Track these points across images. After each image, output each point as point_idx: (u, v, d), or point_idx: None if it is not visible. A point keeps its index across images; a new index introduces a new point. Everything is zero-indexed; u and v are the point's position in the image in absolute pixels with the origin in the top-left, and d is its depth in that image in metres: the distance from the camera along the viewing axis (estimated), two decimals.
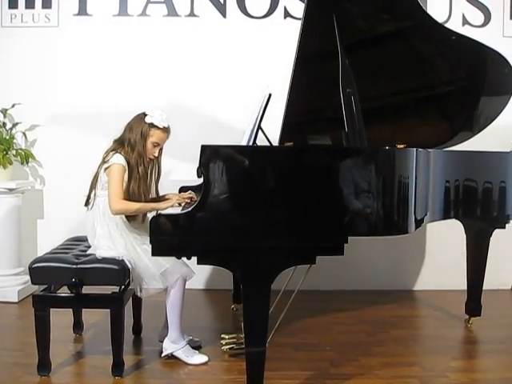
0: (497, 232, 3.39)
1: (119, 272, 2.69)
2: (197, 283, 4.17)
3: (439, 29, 3.00)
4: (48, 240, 3.48)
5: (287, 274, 2.66)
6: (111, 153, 2.84)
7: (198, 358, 2.90)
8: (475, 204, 3.19)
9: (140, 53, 4.27)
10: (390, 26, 2.96)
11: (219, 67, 4.27)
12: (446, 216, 3.04)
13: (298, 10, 4.07)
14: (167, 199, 2.95)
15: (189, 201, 2.96)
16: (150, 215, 2.85)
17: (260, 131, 2.99)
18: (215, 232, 2.28)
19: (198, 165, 2.29)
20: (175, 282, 2.84)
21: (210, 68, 4.27)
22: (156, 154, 2.93)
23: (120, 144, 2.87)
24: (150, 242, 2.30)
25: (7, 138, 4.10)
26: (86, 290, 2.78)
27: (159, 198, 3.01)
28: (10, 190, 3.98)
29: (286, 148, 3.02)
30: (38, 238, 4.36)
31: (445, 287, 4.28)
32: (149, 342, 3.17)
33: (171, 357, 2.90)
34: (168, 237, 2.29)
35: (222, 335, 3.07)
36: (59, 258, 2.75)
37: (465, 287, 3.57)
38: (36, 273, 2.69)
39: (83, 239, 3.02)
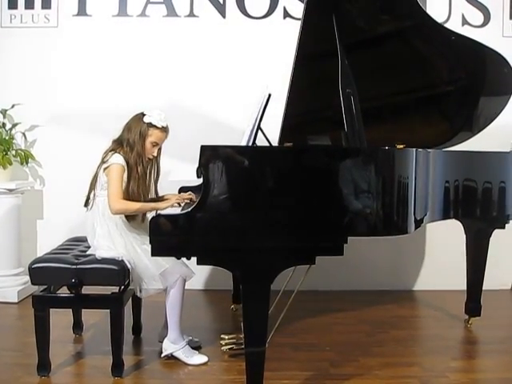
0: (496, 232, 3.39)
1: (119, 272, 2.69)
2: (196, 283, 4.17)
3: (439, 29, 3.01)
4: (48, 240, 3.48)
5: (287, 274, 2.66)
6: (110, 153, 2.84)
7: (198, 359, 2.90)
8: (475, 204, 3.19)
9: (139, 53, 4.27)
10: (389, 26, 2.96)
11: (219, 67, 4.27)
12: (445, 216, 3.04)
13: (298, 10, 4.07)
14: (167, 199, 2.95)
15: (188, 201, 2.96)
16: (149, 215, 2.86)
17: (260, 131, 2.99)
18: (215, 232, 2.28)
19: (197, 165, 2.29)
20: (175, 282, 2.84)
21: (210, 68, 4.27)
22: (155, 154, 2.93)
23: (119, 144, 2.87)
24: (150, 243, 2.30)
25: (7, 138, 4.10)
26: (86, 290, 2.78)
27: (158, 199, 3.01)
28: (10, 191, 3.98)
29: (285, 148, 3.02)
30: (37, 238, 4.36)
31: (444, 287, 4.27)
32: (148, 343, 3.17)
33: (171, 357, 2.90)
34: (168, 237, 2.29)
35: (222, 335, 3.07)
36: (59, 259, 2.75)
37: (464, 287, 3.57)
38: (36, 273, 2.69)
39: (83, 239, 3.02)
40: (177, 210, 2.68)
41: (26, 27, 4.27)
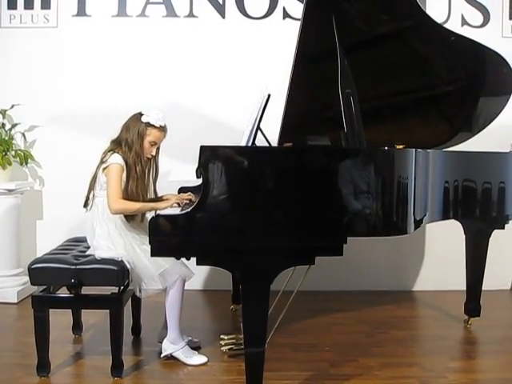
0: (496, 232, 3.40)
1: (118, 273, 2.69)
2: (196, 284, 4.17)
3: (438, 29, 3.01)
4: (47, 241, 3.48)
5: (286, 274, 2.67)
6: (109, 153, 2.84)
7: (197, 359, 2.90)
8: (474, 204, 3.19)
9: (139, 53, 4.27)
10: (389, 26, 2.96)
11: (218, 68, 4.27)
12: (445, 216, 3.03)
13: (297, 10, 4.07)
14: (166, 200, 2.95)
15: (188, 201, 2.96)
16: (148, 215, 2.86)
17: (259, 132, 3.00)
18: (214, 232, 2.28)
19: (197, 165, 2.29)
20: (174, 282, 2.84)
21: (209, 69, 4.27)
22: (153, 153, 2.93)
23: (117, 144, 2.88)
24: (150, 243, 2.30)
25: (6, 138, 4.09)
26: (86, 290, 2.79)
27: (158, 199, 3.01)
28: (10, 191, 3.98)
29: (285, 149, 3.02)
30: (37, 238, 4.36)
31: (444, 288, 4.28)
32: (148, 343, 3.17)
33: (170, 357, 2.90)
34: (167, 237, 2.30)
35: (221, 336, 3.07)
36: (58, 259, 2.75)
37: (464, 288, 3.57)
38: (35, 273, 2.69)
39: (82, 240, 3.01)
40: (176, 211, 2.68)
41: (26, 27, 4.27)
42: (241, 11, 4.31)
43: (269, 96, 2.93)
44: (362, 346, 3.17)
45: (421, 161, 2.60)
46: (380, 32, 2.99)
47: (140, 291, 2.89)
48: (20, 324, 3.51)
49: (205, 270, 4.29)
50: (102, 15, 4.29)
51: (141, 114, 2.89)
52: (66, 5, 4.27)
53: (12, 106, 4.11)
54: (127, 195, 2.79)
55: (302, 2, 2.82)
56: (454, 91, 3.28)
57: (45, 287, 2.75)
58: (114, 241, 2.80)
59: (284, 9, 4.31)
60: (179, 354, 2.89)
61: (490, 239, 3.42)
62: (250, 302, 2.34)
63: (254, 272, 2.32)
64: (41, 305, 2.67)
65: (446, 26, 3.36)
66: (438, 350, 3.12)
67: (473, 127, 3.46)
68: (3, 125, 4.14)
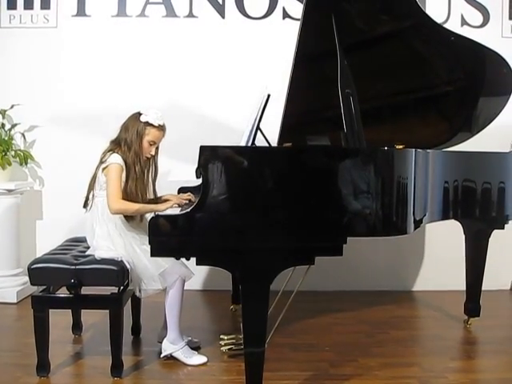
0: (496, 233, 3.40)
1: (118, 273, 2.69)
2: (196, 284, 4.17)
3: (438, 29, 3.01)
4: (47, 241, 3.47)
5: (286, 274, 2.67)
6: (108, 153, 2.84)
7: (197, 359, 2.90)
8: (474, 204, 3.19)
9: (139, 53, 4.27)
10: (388, 26, 2.96)
11: (218, 68, 4.27)
12: (444, 216, 3.03)
13: (297, 10, 4.07)
14: (166, 200, 2.96)
15: (187, 202, 2.96)
16: (148, 215, 2.86)
17: (259, 132, 3.00)
18: (214, 233, 2.28)
19: (196, 165, 2.29)
20: (174, 282, 2.84)
21: (209, 69, 4.27)
22: (152, 153, 2.93)
23: (117, 144, 2.88)
24: (149, 243, 2.30)
25: (6, 138, 4.09)
26: (85, 290, 2.78)
27: (158, 199, 3.01)
28: (9, 191, 3.98)
29: (284, 149, 3.02)
30: (36, 238, 4.36)
31: (444, 288, 4.27)
32: (148, 343, 3.17)
33: (170, 357, 2.90)
34: (167, 237, 2.30)
35: (221, 336, 3.07)
36: (58, 259, 2.75)
37: (464, 288, 3.57)
38: (35, 274, 2.69)
39: (82, 240, 3.01)
40: (176, 211, 2.67)
41: (26, 28, 4.27)
42: (240, 11, 4.31)
43: (268, 96, 2.93)
44: (361, 346, 3.17)
45: (420, 161, 2.61)
46: (380, 32, 2.99)
47: (140, 291, 2.89)
48: (20, 324, 3.51)
49: (204, 270, 4.29)
50: (102, 15, 4.29)
51: (139, 114, 2.89)
52: (66, 5, 4.27)
53: (12, 106, 4.11)
54: (126, 195, 2.79)
55: (302, 2, 2.83)
56: (454, 91, 3.28)
57: (44, 287, 2.75)
58: (114, 241, 2.80)
59: (284, 9, 4.31)
60: (179, 354, 2.89)
61: (490, 239, 3.41)
62: (249, 302, 2.34)
63: (253, 272, 2.32)
64: (40, 305, 2.67)
65: (446, 26, 3.36)
66: (438, 350, 3.12)
67: (472, 127, 3.46)
68: (3, 125, 4.14)
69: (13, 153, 4.13)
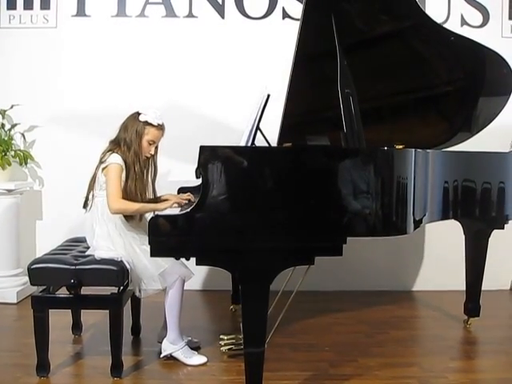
0: (495, 232, 3.39)
1: (118, 273, 2.69)
2: (195, 284, 4.17)
3: (438, 29, 3.01)
4: (47, 241, 3.48)
5: (286, 274, 2.67)
6: (108, 153, 2.84)
7: (197, 359, 2.90)
8: (474, 204, 3.18)
9: (138, 54, 4.27)
10: (388, 26, 2.96)
11: (218, 68, 4.27)
12: (444, 216, 3.03)
13: (297, 10, 4.07)
14: (165, 200, 2.96)
15: (187, 202, 2.96)
16: (148, 215, 2.86)
17: (259, 132, 3.00)
18: (214, 233, 2.28)
19: (196, 166, 2.29)
20: (174, 282, 2.84)
21: (209, 69, 4.27)
22: (152, 152, 2.93)
23: (116, 144, 2.88)
24: (149, 243, 2.30)
25: (6, 139, 4.09)
26: (85, 290, 2.78)
27: (157, 199, 3.01)
28: (9, 191, 3.98)
29: (284, 149, 3.02)
30: (36, 238, 4.36)
31: (444, 288, 4.28)
32: (148, 343, 3.17)
33: (170, 357, 2.90)
34: (167, 238, 2.29)
35: (221, 336, 3.07)
36: (58, 259, 2.75)
37: (464, 288, 3.56)
38: (35, 274, 2.69)
39: (82, 240, 3.01)
40: (176, 211, 2.67)
41: (25, 28, 4.27)
42: (240, 11, 4.31)
43: (268, 96, 2.93)
44: (361, 346, 3.17)
45: (420, 161, 2.60)
46: (379, 32, 2.99)
47: (140, 291, 2.89)
48: (19, 324, 3.51)
49: (204, 270, 4.29)
50: (102, 15, 4.29)
51: (138, 114, 2.89)
52: (66, 5, 4.27)
53: (12, 107, 4.11)
54: (126, 195, 2.79)
55: (302, 2, 2.82)
56: (454, 91, 3.28)
57: (44, 287, 2.75)
58: (114, 241, 2.80)
59: (283, 9, 4.31)
60: (179, 354, 2.89)
61: (490, 239, 3.41)
62: (249, 302, 2.34)
63: (253, 272, 2.32)
64: (40, 305, 2.67)
65: (446, 26, 3.35)
66: (438, 350, 3.12)
67: (472, 127, 3.46)
68: (3, 125, 4.14)
69: (13, 153, 4.13)
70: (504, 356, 3.07)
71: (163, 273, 2.79)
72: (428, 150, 2.75)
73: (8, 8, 4.26)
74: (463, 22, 4.35)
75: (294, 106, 3.17)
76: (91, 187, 2.88)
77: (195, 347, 3.04)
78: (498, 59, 3.12)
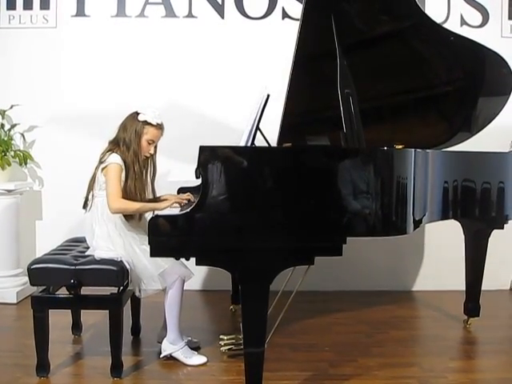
0: (495, 232, 3.39)
1: (118, 273, 2.69)
2: (195, 284, 4.17)
3: (437, 29, 3.01)
4: (47, 241, 3.48)
5: (286, 274, 2.67)
6: (107, 153, 2.84)
7: (197, 359, 2.90)
8: (474, 204, 3.18)
9: (138, 54, 4.27)
10: (388, 26, 2.96)
11: (217, 68, 4.27)
12: (444, 216, 3.03)
13: (296, 10, 4.05)
14: (165, 200, 2.95)
15: (187, 202, 2.96)
16: (147, 215, 2.87)
17: (258, 132, 3.00)
18: (214, 233, 2.28)
19: (196, 166, 2.29)
20: (174, 282, 2.84)
21: (209, 69, 4.27)
22: (151, 152, 2.93)
23: (115, 144, 2.88)
24: (149, 243, 2.30)
25: (6, 139, 4.09)
26: (85, 291, 2.78)
27: (157, 199, 3.01)
28: (9, 191, 3.98)
29: (284, 149, 3.02)
30: (36, 239, 4.36)
31: (443, 288, 4.28)
32: (147, 343, 3.17)
33: (170, 358, 2.90)
34: (167, 238, 2.29)
35: (221, 336, 3.06)
36: (58, 259, 2.75)
37: (463, 288, 3.56)
38: (35, 274, 2.69)
39: (82, 240, 3.01)
40: (176, 211, 2.68)
41: (25, 28, 4.27)
42: (240, 11, 4.31)
43: (268, 96, 2.93)
44: (361, 346, 3.17)
45: (420, 161, 2.60)
46: (379, 32, 2.99)
47: (139, 291, 2.89)
48: (19, 324, 3.51)
49: (204, 270, 4.29)
50: (101, 15, 4.29)
51: (137, 113, 2.89)
52: (65, 5, 4.27)
53: (11, 107, 4.11)
54: (126, 194, 2.79)
55: (301, 2, 2.83)
56: (454, 91, 3.28)
57: (44, 288, 2.75)
58: (114, 241, 2.80)
59: (283, 9, 4.31)
60: (179, 355, 2.89)
61: (490, 239, 3.41)
62: (249, 303, 2.33)
63: (253, 272, 2.32)
64: (40, 305, 2.67)
65: (445, 26, 3.35)
66: (438, 350, 3.12)
67: (472, 127, 3.46)
68: (2, 125, 4.14)
69: (12, 153, 4.13)
70: (504, 356, 3.07)
71: (163, 273, 2.79)
72: (428, 150, 2.75)
73: (8, 8, 4.26)
74: (463, 22, 4.35)
75: (293, 105, 3.17)
76: (91, 187, 2.88)
77: (195, 347, 3.04)
78: (498, 59, 3.12)
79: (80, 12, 4.28)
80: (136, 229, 2.88)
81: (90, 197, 2.88)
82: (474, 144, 3.43)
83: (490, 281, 3.73)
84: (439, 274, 4.34)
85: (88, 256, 2.80)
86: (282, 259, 2.35)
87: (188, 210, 2.31)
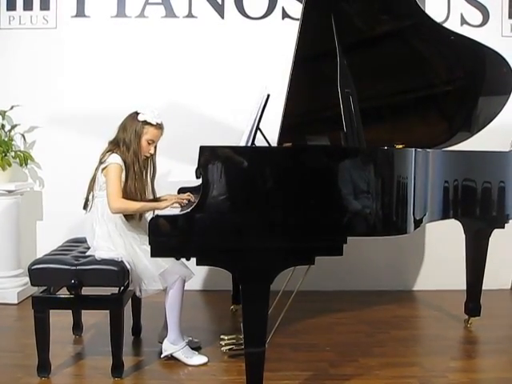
0: (496, 232, 3.39)
1: (118, 273, 2.69)
2: (196, 284, 4.18)
3: (438, 28, 3.01)
4: (47, 241, 3.47)
5: (286, 274, 2.66)
6: (107, 154, 2.84)
7: (198, 359, 2.90)
8: (474, 204, 3.18)
9: (138, 54, 4.27)
10: (388, 25, 2.96)
11: (217, 68, 4.27)
12: (445, 216, 3.03)
13: (296, 10, 4.05)
14: (165, 200, 2.95)
15: (187, 202, 2.96)
16: (148, 215, 2.87)
17: (259, 132, 3.00)
18: (214, 233, 2.28)
19: (196, 166, 2.29)
20: (174, 282, 2.84)
21: (209, 69, 4.27)
22: (152, 152, 2.93)
23: (115, 145, 2.88)
24: (150, 243, 2.30)
25: (6, 139, 4.10)
26: (86, 291, 2.78)
27: (156, 199, 3.01)
28: (9, 192, 3.98)
29: (284, 149, 3.02)
30: (37, 239, 4.36)
31: (444, 287, 4.28)
32: (148, 343, 3.18)
33: (171, 358, 2.90)
34: (167, 238, 2.29)
35: (222, 336, 3.07)
36: (58, 260, 2.75)
37: (464, 287, 3.56)
38: (35, 274, 2.70)
39: (82, 240, 3.02)
40: (176, 211, 2.68)
41: (25, 28, 4.27)
42: (240, 11, 4.31)
43: (268, 96, 2.93)
44: (362, 346, 3.17)
45: (420, 160, 2.60)
46: (379, 31, 2.99)
47: (140, 291, 2.89)
48: (20, 325, 3.51)
49: (205, 270, 4.29)
50: (101, 16, 4.29)
51: (137, 113, 2.89)
52: (65, 6, 4.27)
53: (12, 107, 4.11)
54: (126, 195, 2.79)
55: (301, 2, 2.83)
56: (454, 91, 3.28)
57: (45, 288, 2.76)
58: (114, 241, 2.80)
59: (283, 9, 4.31)
60: (179, 355, 2.89)
61: (490, 239, 3.41)
62: (250, 303, 2.33)
63: (253, 272, 2.31)
64: (41, 306, 2.67)
65: (446, 25, 3.36)
66: (439, 350, 3.12)
67: (472, 127, 3.46)
68: (3, 126, 4.14)
69: (13, 154, 4.13)
70: (504, 355, 3.07)
71: (163, 273, 2.79)
72: (428, 150, 2.75)
73: (8, 9, 4.26)
74: (463, 22, 4.34)
75: (293, 105, 3.17)
76: (91, 188, 2.88)
77: (196, 347, 3.04)
78: (498, 58, 3.12)
79: (80, 12, 4.28)
80: (136, 229, 2.88)
81: (90, 197, 2.88)
82: (475, 143, 3.43)
83: (491, 280, 3.72)
84: (440, 274, 4.34)
85: (89, 256, 2.80)
86: (283, 259, 2.35)
87: (188, 210, 2.31)
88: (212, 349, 3.07)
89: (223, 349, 2.99)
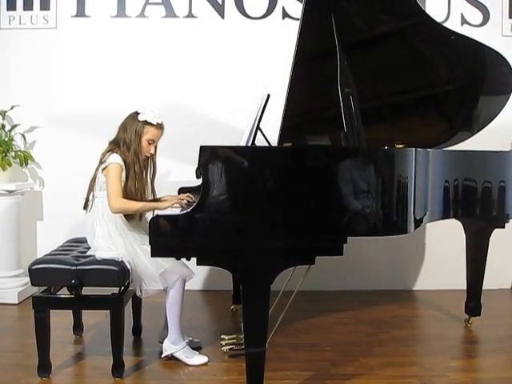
0: (496, 232, 3.39)
1: (119, 273, 2.69)
2: (196, 284, 4.18)
3: (438, 28, 3.00)
4: (48, 241, 3.47)
5: (287, 274, 2.66)
6: (108, 153, 2.84)
7: (198, 359, 2.90)
8: (474, 204, 3.18)
9: (139, 54, 4.27)
10: (388, 25, 2.96)
11: (218, 68, 4.27)
12: (445, 216, 3.03)
13: (297, 10, 4.07)
14: (165, 200, 2.95)
15: (188, 202, 2.96)
16: (148, 215, 2.87)
17: (259, 132, 3.00)
18: (214, 233, 2.28)
19: (196, 166, 2.29)
20: (174, 282, 2.84)
21: (209, 69, 4.27)
22: (152, 152, 2.93)
23: (115, 144, 2.88)
24: (150, 243, 2.30)
25: (6, 139, 4.10)
26: (86, 291, 2.78)
27: (157, 200, 3.01)
28: (10, 192, 3.98)
29: (284, 148, 3.02)
30: (37, 239, 4.36)
31: (444, 287, 4.27)
32: (149, 343, 3.18)
33: (171, 358, 2.91)
34: (167, 238, 2.29)
35: (222, 336, 3.07)
36: (59, 260, 2.75)
37: (464, 287, 3.57)
38: (36, 274, 2.70)
39: (83, 240, 3.02)
40: (176, 211, 2.68)
41: (25, 28, 4.27)
42: (240, 11, 4.31)
43: (268, 96, 2.93)
44: (362, 346, 3.17)
45: (421, 160, 2.60)
46: (379, 31, 2.98)
47: (140, 291, 2.89)
48: (21, 325, 3.51)
49: (205, 270, 4.29)
50: (102, 16, 4.29)
51: (137, 113, 2.90)
52: (65, 6, 4.27)
53: (12, 107, 4.11)
54: (126, 194, 2.80)
55: (302, 2, 2.82)
56: (454, 90, 3.27)
57: (45, 288, 2.76)
58: (115, 241, 2.80)
59: (283, 8, 4.31)
60: (180, 355, 2.89)
61: (491, 238, 3.41)
62: (250, 302, 2.33)
63: (254, 272, 2.31)
64: (41, 305, 2.67)
65: (446, 25, 3.35)
66: (439, 350, 3.12)
67: (473, 126, 3.46)
68: (3, 126, 4.14)
69: (13, 154, 4.13)
70: (505, 355, 3.07)
71: (164, 273, 2.79)
72: (428, 150, 2.75)
73: (8, 9, 4.26)
74: (463, 21, 4.35)
75: (294, 105, 3.17)
76: (91, 188, 2.88)
77: (196, 347, 3.04)
78: (499, 58, 3.11)
79: (80, 12, 4.28)
80: (137, 229, 2.88)
81: (90, 197, 2.88)
82: (475, 143, 3.43)
83: (491, 280, 3.72)
84: (440, 274, 4.34)
85: (89, 256, 2.80)
86: (283, 259, 2.35)
87: (189, 210, 2.31)
88: (212, 349, 3.07)
89: (224, 349, 2.99)
